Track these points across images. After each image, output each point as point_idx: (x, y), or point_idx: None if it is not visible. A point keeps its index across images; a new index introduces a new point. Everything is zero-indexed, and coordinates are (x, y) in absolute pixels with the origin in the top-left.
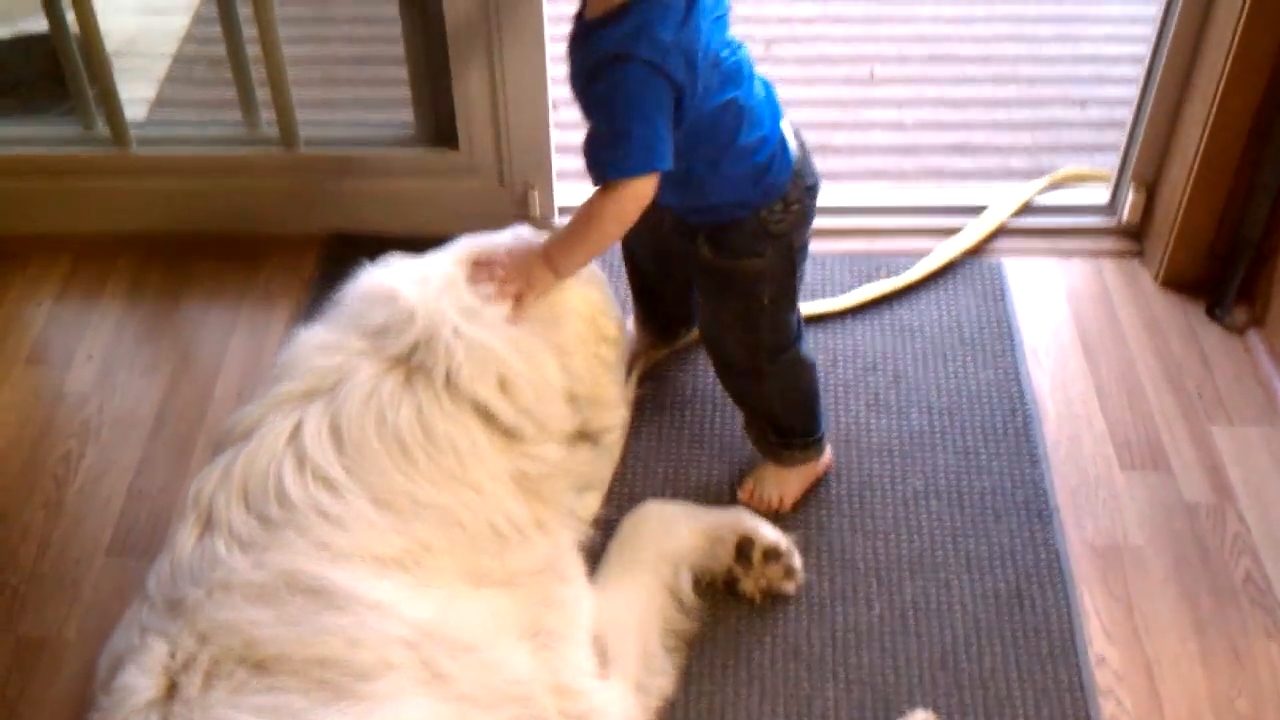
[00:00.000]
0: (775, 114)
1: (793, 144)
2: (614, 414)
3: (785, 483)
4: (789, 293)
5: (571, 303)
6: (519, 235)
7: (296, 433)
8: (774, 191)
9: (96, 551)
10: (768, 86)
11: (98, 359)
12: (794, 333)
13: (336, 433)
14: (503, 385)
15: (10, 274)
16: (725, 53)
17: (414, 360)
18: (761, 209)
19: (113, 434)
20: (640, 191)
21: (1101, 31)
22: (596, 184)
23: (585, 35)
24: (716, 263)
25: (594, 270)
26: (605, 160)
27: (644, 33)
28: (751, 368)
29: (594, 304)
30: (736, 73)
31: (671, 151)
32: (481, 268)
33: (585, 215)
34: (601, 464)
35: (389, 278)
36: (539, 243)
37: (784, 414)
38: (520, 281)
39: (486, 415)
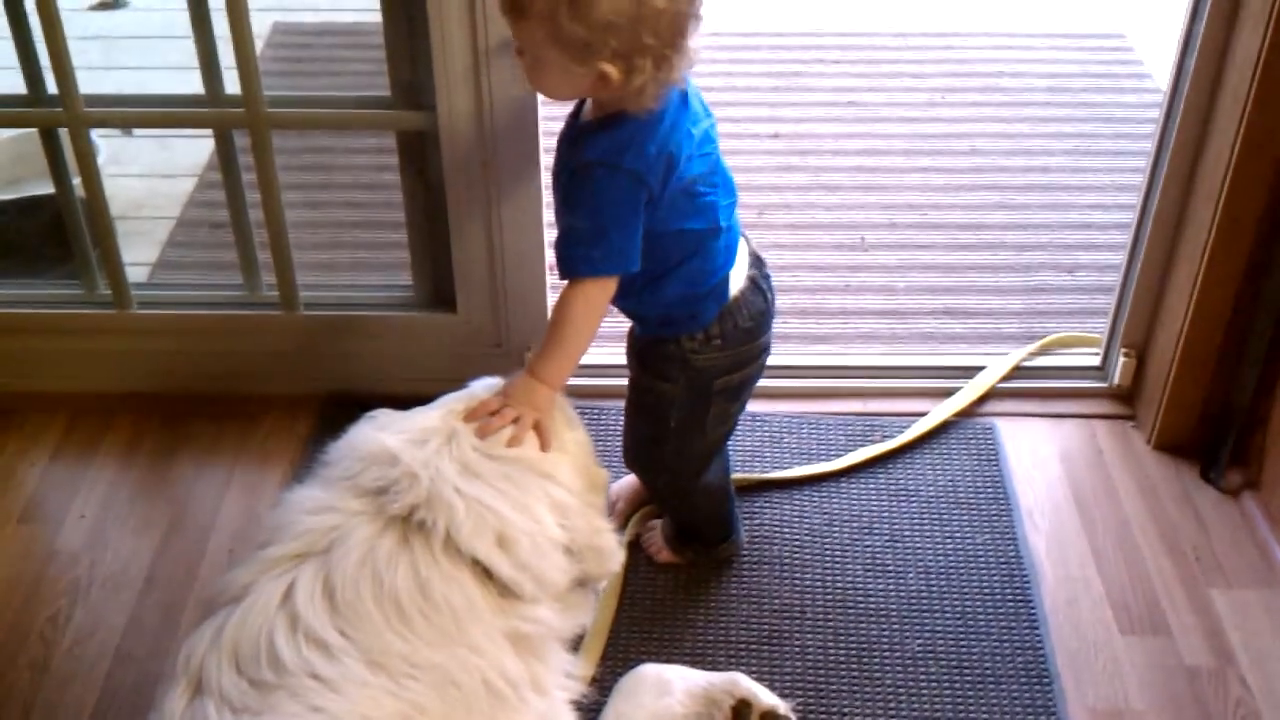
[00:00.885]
0: (729, 261)
1: (735, 290)
2: (611, 561)
3: (670, 551)
4: (699, 428)
5: (564, 451)
6: (490, 386)
7: (289, 595)
8: (697, 323)
9: (81, 716)
10: (735, 236)
11: (90, 517)
12: (700, 466)
13: (330, 595)
14: (502, 542)
15: (7, 432)
16: (704, 189)
17: (414, 519)
18: (683, 336)
19: (102, 593)
20: (607, 287)
21: (1088, 200)
22: (564, 278)
23: (577, 136)
24: (636, 377)
25: (575, 414)
26: (580, 256)
27: (632, 145)
28: (657, 483)
29: (584, 448)
30: (709, 210)
31: (639, 254)
32: (478, 412)
33: (558, 320)
34: (598, 612)
35: (387, 437)
36: (521, 372)
37: (687, 527)
38: (524, 407)
39: (484, 573)
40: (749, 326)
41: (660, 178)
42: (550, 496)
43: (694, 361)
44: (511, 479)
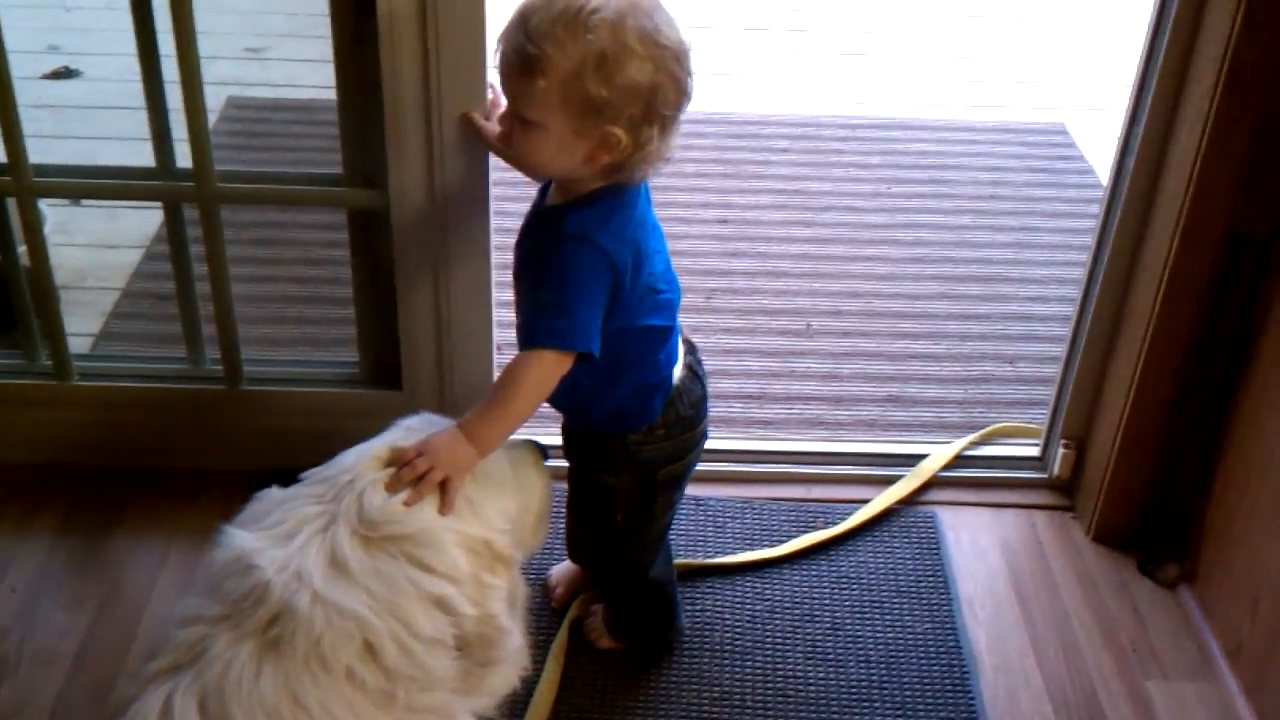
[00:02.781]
0: (674, 355)
1: (678, 376)
2: (499, 650)
3: (611, 637)
4: (647, 519)
5: (471, 514)
6: (407, 427)
7: (167, 709)
8: (646, 418)
9: None
10: (677, 330)
11: (21, 591)
12: (648, 556)
13: (203, 708)
14: (369, 651)
15: None
16: (662, 286)
17: (271, 634)
18: (630, 432)
19: (31, 670)
20: (562, 364)
21: (1028, 292)
22: (524, 348)
23: (545, 217)
24: (576, 471)
25: (524, 456)
26: (542, 328)
27: (608, 224)
28: (605, 576)
29: (486, 521)
30: (667, 307)
31: (599, 341)
32: (395, 463)
33: (506, 383)
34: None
35: (246, 538)
36: (447, 425)
37: (630, 614)
38: (446, 466)
39: (359, 680)
40: (689, 415)
41: (629, 266)
42: (425, 591)
43: (638, 455)
44: (382, 575)
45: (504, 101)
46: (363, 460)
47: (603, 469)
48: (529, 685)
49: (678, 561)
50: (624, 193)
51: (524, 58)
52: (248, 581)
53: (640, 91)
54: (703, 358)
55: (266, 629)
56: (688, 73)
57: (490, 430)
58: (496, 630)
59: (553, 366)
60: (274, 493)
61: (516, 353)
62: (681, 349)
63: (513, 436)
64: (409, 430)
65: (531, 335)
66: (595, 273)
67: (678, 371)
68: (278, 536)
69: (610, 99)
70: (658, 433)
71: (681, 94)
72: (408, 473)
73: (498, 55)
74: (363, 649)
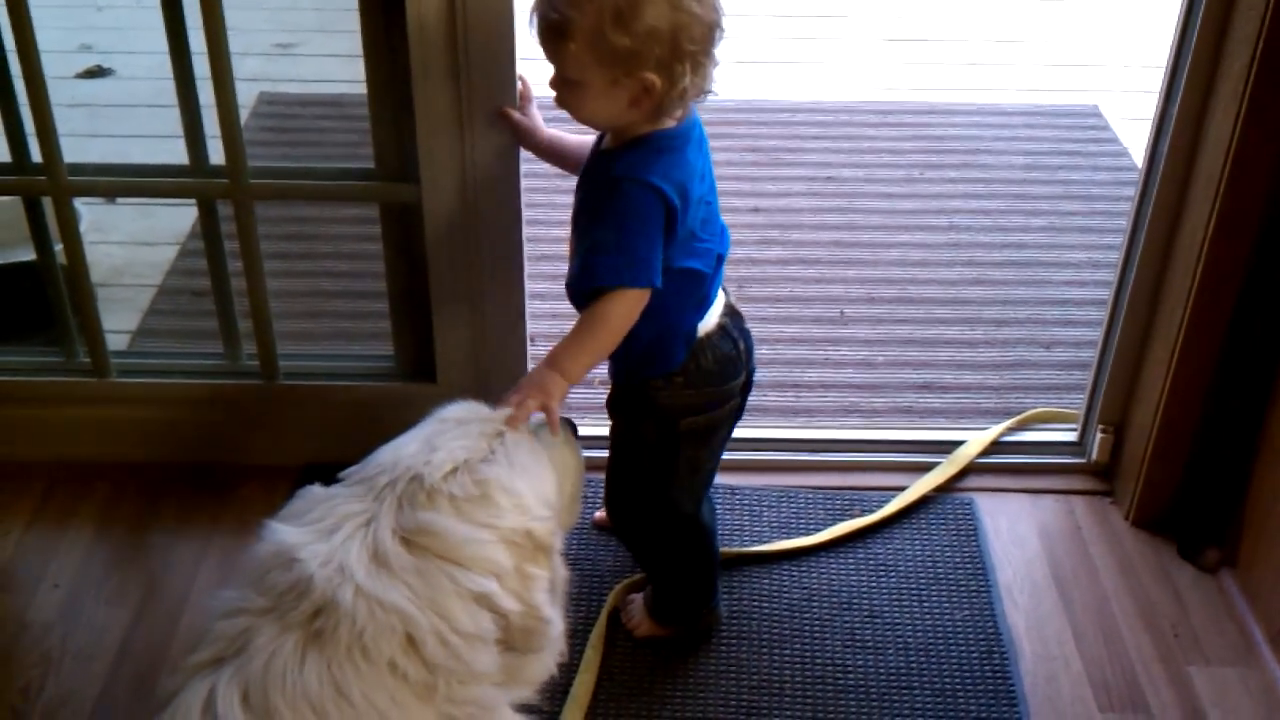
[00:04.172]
0: (705, 306)
1: (708, 328)
2: (541, 641)
3: (650, 624)
4: (670, 472)
5: (491, 524)
6: (447, 417)
7: (210, 702)
8: (668, 364)
9: None
10: (717, 285)
11: (64, 588)
12: (673, 514)
13: (246, 700)
14: (410, 644)
15: None
16: (704, 235)
17: (315, 626)
18: (652, 378)
19: (74, 666)
20: (641, 299)
21: (1064, 276)
22: (587, 286)
23: (598, 161)
24: (615, 425)
25: (566, 447)
26: (607, 264)
27: (658, 165)
28: (632, 531)
29: (525, 509)
30: (706, 255)
31: (660, 273)
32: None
33: (592, 318)
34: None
35: (290, 532)
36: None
37: (668, 591)
38: (540, 395)
39: (401, 672)
40: (713, 370)
41: (680, 206)
42: (464, 588)
43: (658, 399)
44: (424, 574)
45: (532, 93)
46: (400, 457)
47: (632, 417)
48: (567, 673)
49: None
50: (669, 136)
51: (550, 24)
52: (291, 575)
53: (661, 35)
54: (749, 328)
55: (310, 621)
56: (712, 8)
57: (577, 362)
58: (539, 621)
59: (634, 303)
60: (315, 490)
61: (601, 292)
62: (719, 306)
63: (538, 417)
64: (448, 420)
65: (594, 273)
66: (650, 210)
67: (709, 323)
68: (321, 531)
69: (634, 47)
70: (677, 379)
71: (707, 29)
72: (511, 402)
73: (532, 28)
74: (405, 642)
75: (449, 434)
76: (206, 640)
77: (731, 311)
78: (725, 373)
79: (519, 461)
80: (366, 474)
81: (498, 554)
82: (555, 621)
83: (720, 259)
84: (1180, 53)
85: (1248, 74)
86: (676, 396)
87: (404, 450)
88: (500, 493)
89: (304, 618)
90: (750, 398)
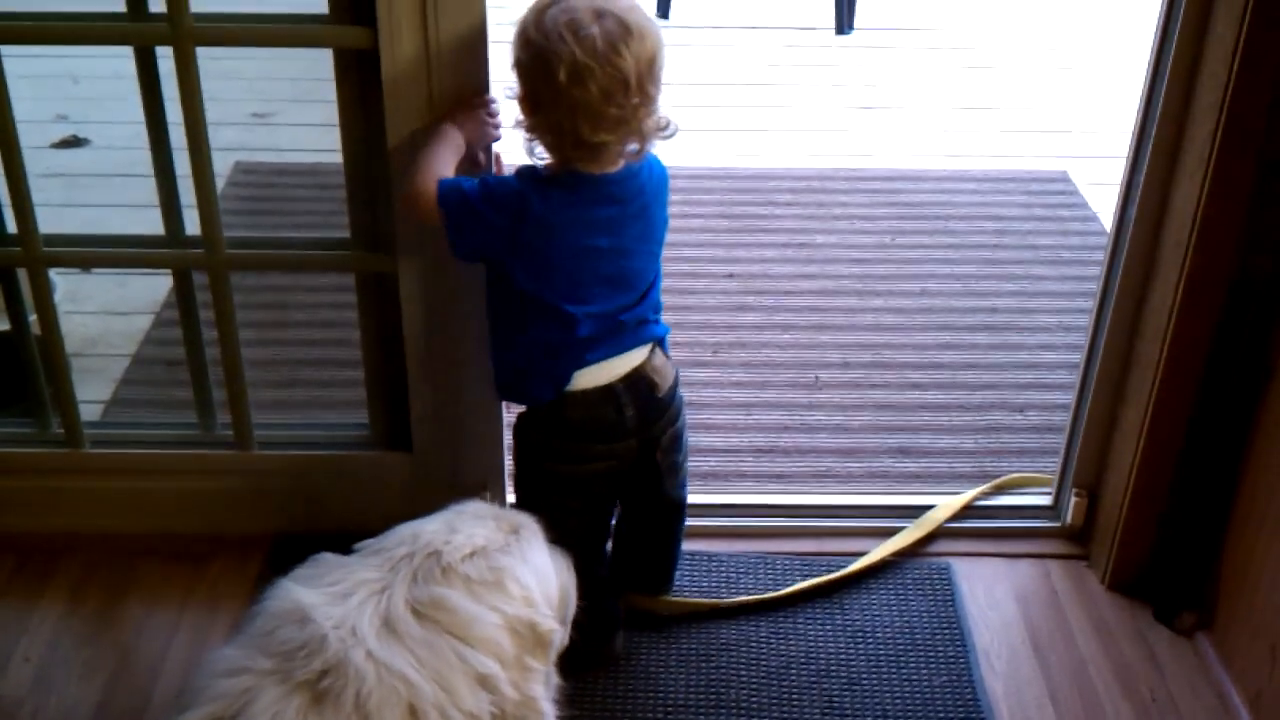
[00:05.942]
0: (583, 358)
1: (578, 386)
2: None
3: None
4: (538, 501)
5: (499, 608)
6: (461, 511)
7: None
8: (530, 397)
9: None
10: (608, 341)
11: (35, 661)
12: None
13: None
14: (412, 715)
15: None
16: (597, 290)
17: (321, 685)
18: (523, 406)
19: None
20: (429, 212)
21: (1036, 340)
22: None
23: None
24: None
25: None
26: (450, 186)
27: (541, 190)
28: None
29: (533, 604)
30: (590, 307)
31: (466, 245)
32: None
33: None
34: None
35: (304, 593)
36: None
37: None
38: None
39: None
40: (578, 426)
41: (527, 232)
42: (471, 668)
43: (522, 429)
44: (432, 646)
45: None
46: (420, 533)
47: (515, 428)
48: None
49: (686, 601)
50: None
51: None
52: (304, 633)
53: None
54: (684, 424)
55: (317, 681)
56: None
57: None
58: (536, 713)
59: (424, 203)
60: (329, 557)
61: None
62: (616, 370)
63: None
64: (465, 514)
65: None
66: (509, 187)
67: (591, 380)
68: (335, 595)
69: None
70: (541, 417)
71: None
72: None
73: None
74: (406, 712)
75: (468, 522)
76: (204, 697)
77: (638, 382)
78: (592, 433)
79: (532, 559)
80: (384, 546)
81: (503, 639)
82: (549, 716)
83: (620, 324)
84: (1146, 120)
85: (1212, 140)
86: (539, 433)
87: (425, 528)
88: (512, 582)
89: (311, 677)
90: (726, 463)
